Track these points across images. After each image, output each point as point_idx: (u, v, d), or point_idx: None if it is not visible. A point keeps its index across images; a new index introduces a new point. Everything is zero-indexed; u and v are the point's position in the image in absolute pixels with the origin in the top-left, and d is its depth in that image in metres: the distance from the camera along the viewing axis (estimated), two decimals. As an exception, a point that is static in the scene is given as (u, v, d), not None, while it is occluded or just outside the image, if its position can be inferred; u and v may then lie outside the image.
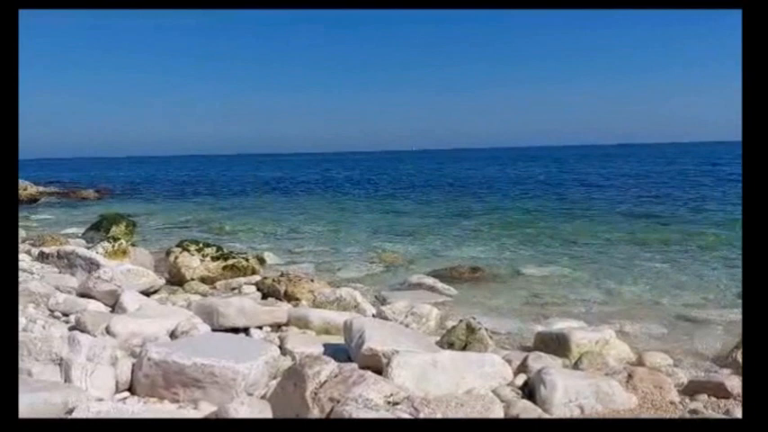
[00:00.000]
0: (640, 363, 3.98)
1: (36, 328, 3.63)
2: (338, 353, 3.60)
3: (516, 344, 4.61)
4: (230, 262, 6.96)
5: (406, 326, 4.66)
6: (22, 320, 3.78)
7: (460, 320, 4.20)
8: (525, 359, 3.59)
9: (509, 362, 3.51)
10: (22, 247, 8.04)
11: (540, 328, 4.77)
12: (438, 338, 4.18)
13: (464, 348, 3.91)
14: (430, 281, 6.58)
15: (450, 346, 3.91)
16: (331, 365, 3.19)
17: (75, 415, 2.29)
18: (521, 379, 3.31)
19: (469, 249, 9.10)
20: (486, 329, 4.18)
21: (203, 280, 6.65)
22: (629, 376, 3.28)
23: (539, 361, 3.56)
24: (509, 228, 11.42)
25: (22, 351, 2.76)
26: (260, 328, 4.47)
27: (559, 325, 4.91)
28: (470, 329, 3.96)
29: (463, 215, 13.93)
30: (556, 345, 4.16)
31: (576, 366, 3.80)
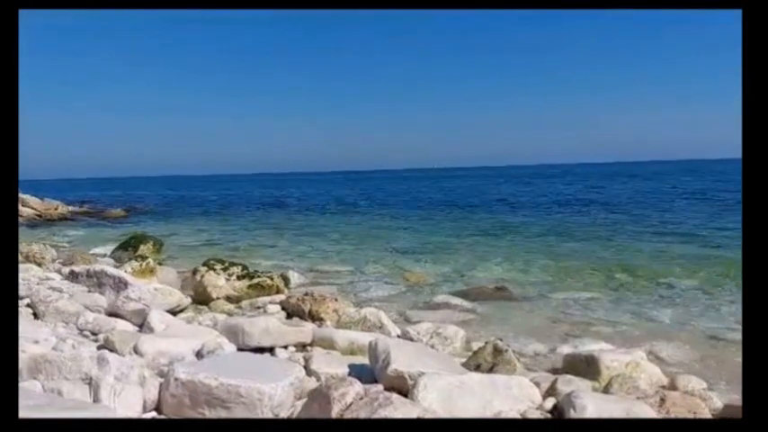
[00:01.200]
0: (673, 386, 3.88)
1: (66, 347, 3.69)
2: (363, 374, 3.58)
3: (544, 366, 4.53)
4: (255, 281, 7.00)
5: (432, 347, 4.62)
6: (52, 339, 3.86)
7: (487, 342, 4.15)
8: (554, 382, 3.53)
9: (537, 384, 3.45)
10: (52, 266, 8.21)
11: (568, 350, 4.69)
12: (464, 360, 4.13)
13: (491, 370, 3.85)
14: (455, 300, 6.53)
15: (477, 367, 3.85)
16: (356, 387, 3.17)
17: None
18: (550, 402, 3.24)
19: (494, 268, 9.02)
20: (514, 351, 4.12)
21: (229, 299, 6.69)
22: (662, 400, 3.19)
23: (568, 384, 3.49)
24: (534, 247, 11.31)
25: (53, 370, 2.79)
26: (285, 347, 4.48)
27: (588, 347, 4.82)
28: (497, 351, 3.90)
29: (487, 233, 13.84)
30: (585, 367, 4.07)
31: (606, 390, 3.71)
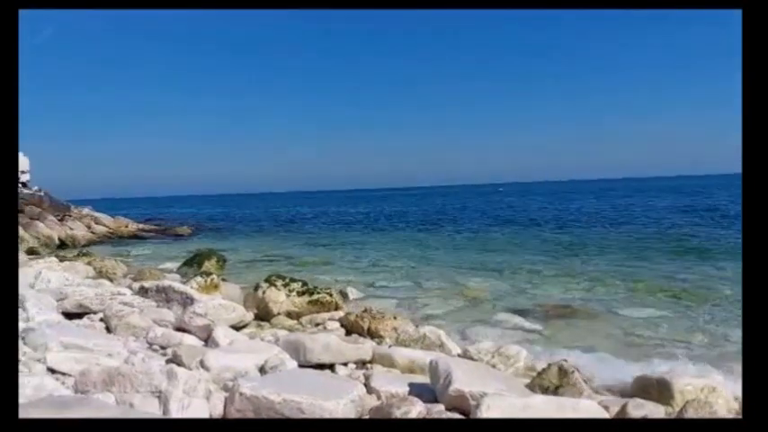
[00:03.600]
0: (754, 413, 3.64)
1: (137, 360, 3.82)
2: (424, 393, 3.54)
3: (612, 389, 4.33)
4: (315, 297, 7.08)
5: (493, 366, 4.52)
6: (124, 352, 4.01)
7: (551, 363, 4.02)
8: (624, 406, 3.37)
9: (606, 408, 3.31)
10: (123, 281, 8.56)
11: (638, 372, 4.48)
12: (528, 381, 4.02)
13: (556, 392, 3.72)
14: (516, 319, 6.39)
15: (542, 389, 3.74)
16: (418, 407, 3.15)
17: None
18: (620, 428, 3.09)
19: (558, 286, 8.78)
20: (580, 373, 3.97)
21: (289, 315, 6.79)
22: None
23: (639, 408, 3.33)
24: (598, 264, 10.95)
25: (125, 383, 2.89)
26: (345, 364, 4.48)
27: (660, 369, 4.59)
28: (563, 372, 3.77)
29: (548, 251, 13.51)
30: (657, 391, 3.88)
31: (680, 415, 3.52)
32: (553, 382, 3.78)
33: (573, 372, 3.79)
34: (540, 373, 3.98)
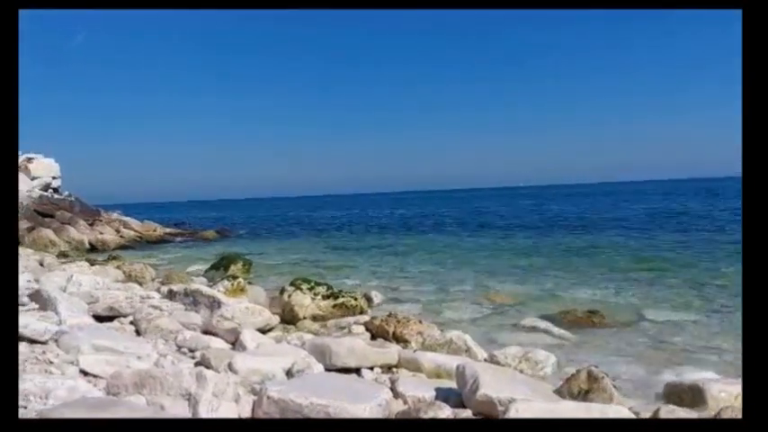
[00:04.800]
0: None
1: (166, 362, 3.88)
2: (451, 397, 3.52)
3: (643, 395, 4.26)
4: (340, 301, 7.10)
5: (520, 371, 4.48)
6: (153, 355, 4.06)
7: (580, 368, 3.96)
8: (656, 412, 3.31)
9: (637, 415, 3.26)
10: (152, 284, 8.70)
11: (669, 379, 4.40)
12: (556, 387, 3.96)
13: (585, 398, 3.66)
14: (543, 324, 6.31)
15: (571, 395, 3.68)
16: (446, 411, 3.13)
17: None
18: (652, 434, 3.03)
19: (584, 290, 8.66)
20: (610, 378, 3.90)
21: (314, 318, 6.82)
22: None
23: (672, 415, 3.26)
24: (626, 267, 10.78)
25: (156, 385, 2.93)
26: (371, 368, 4.49)
27: (691, 375, 4.50)
28: (592, 378, 3.71)
29: (574, 254, 13.35)
30: (689, 397, 3.79)
31: (715, 423, 3.44)
32: (582, 387, 3.71)
33: (603, 377, 3.72)
34: (568, 379, 3.92)
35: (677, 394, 3.90)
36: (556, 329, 6.16)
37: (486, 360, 4.86)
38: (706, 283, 8.76)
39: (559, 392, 3.78)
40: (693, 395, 3.79)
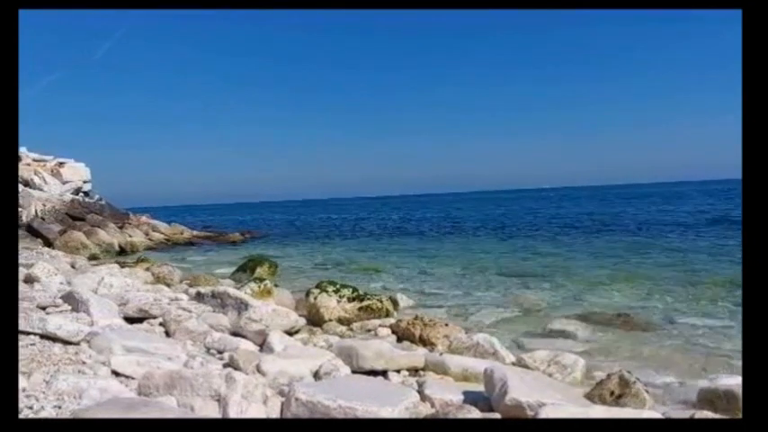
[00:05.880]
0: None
1: (195, 364, 3.92)
2: (479, 401, 3.49)
3: (676, 400, 4.16)
4: (365, 303, 7.10)
5: (549, 376, 4.42)
6: (182, 356, 4.11)
7: (611, 372, 3.89)
8: (691, 419, 3.23)
9: (671, 421, 3.18)
10: (180, 286, 8.82)
11: (703, 384, 4.29)
12: (586, 391, 3.90)
13: (616, 403, 3.60)
14: (572, 327, 6.22)
15: (602, 400, 3.62)
16: (475, 415, 3.11)
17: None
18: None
19: (614, 294, 8.50)
20: (642, 383, 3.83)
21: (340, 321, 6.83)
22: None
23: (707, 422, 3.18)
24: (655, 270, 10.58)
25: (186, 387, 2.96)
26: (397, 371, 4.47)
27: (725, 381, 4.38)
28: (624, 382, 3.65)
29: (601, 256, 13.14)
30: (724, 403, 3.70)
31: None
32: (614, 392, 3.65)
33: (635, 381, 3.66)
34: (599, 383, 3.86)
35: (711, 400, 3.81)
36: (584, 333, 6.06)
37: (513, 363, 4.81)
38: (740, 287, 8.54)
39: (589, 397, 3.73)
40: (728, 401, 3.70)
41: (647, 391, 3.80)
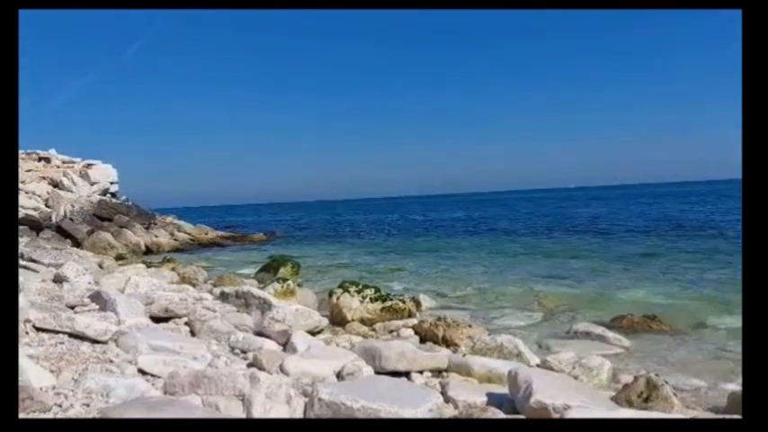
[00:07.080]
0: None
1: (220, 363, 3.95)
2: (503, 403, 3.45)
3: (705, 404, 4.07)
4: (388, 304, 7.09)
5: (575, 378, 4.36)
6: (207, 356, 4.15)
7: (638, 375, 3.83)
8: (721, 424, 3.15)
9: (701, 426, 3.11)
10: (204, 286, 8.92)
11: (733, 387, 4.20)
12: (612, 394, 3.84)
13: (644, 405, 3.54)
14: (598, 329, 6.12)
15: (629, 403, 3.56)
16: (499, 417, 3.07)
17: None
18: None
19: (640, 295, 8.36)
20: (670, 386, 3.76)
21: (362, 321, 6.83)
22: None
23: (738, 427, 3.10)
24: (682, 271, 10.37)
25: (211, 386, 2.99)
26: (420, 372, 4.45)
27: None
28: (652, 386, 3.58)
29: (628, 257, 12.92)
30: (756, 408, 3.61)
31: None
32: (641, 395, 3.59)
33: (663, 384, 3.59)
34: (626, 386, 3.80)
35: (741, 404, 3.72)
36: (611, 335, 5.96)
37: (538, 365, 4.76)
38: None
39: (616, 400, 3.67)
40: (761, 406, 3.60)
41: (675, 395, 3.73)
